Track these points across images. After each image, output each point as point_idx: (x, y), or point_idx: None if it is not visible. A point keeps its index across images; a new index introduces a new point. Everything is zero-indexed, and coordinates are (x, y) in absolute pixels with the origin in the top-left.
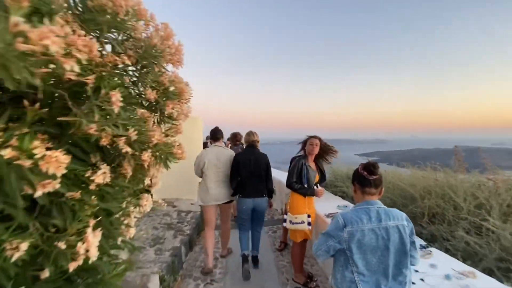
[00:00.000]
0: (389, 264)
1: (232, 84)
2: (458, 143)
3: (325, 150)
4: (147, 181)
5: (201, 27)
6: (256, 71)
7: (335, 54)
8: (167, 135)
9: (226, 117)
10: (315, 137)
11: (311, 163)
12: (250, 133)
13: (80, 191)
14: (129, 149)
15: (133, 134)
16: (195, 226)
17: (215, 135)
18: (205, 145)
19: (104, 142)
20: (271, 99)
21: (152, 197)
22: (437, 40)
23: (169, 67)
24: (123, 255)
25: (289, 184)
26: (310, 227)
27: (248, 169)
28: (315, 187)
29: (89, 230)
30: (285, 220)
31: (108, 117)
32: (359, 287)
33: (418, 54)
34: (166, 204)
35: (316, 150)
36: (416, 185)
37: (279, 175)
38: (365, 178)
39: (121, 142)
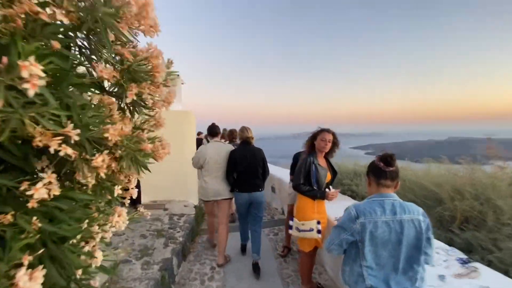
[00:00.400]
0: (399, 258)
1: (226, 79)
2: (451, 134)
3: (335, 146)
4: (117, 191)
5: (195, 21)
6: (250, 65)
7: (329, 48)
8: (139, 129)
9: (220, 113)
10: (328, 131)
11: (321, 160)
12: (243, 129)
13: (13, 212)
14: (69, 151)
15: (72, 133)
16: (189, 232)
17: (213, 130)
18: (198, 141)
19: (39, 142)
20: (266, 94)
21: (139, 205)
22: (430, 33)
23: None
24: (101, 275)
25: (295, 186)
26: (320, 235)
27: (244, 164)
28: (327, 189)
29: (22, 271)
30: (290, 227)
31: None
32: (367, 281)
33: (411, 47)
34: (149, 214)
35: (329, 147)
36: (442, 184)
37: (278, 172)
38: (381, 170)
39: (54, 142)
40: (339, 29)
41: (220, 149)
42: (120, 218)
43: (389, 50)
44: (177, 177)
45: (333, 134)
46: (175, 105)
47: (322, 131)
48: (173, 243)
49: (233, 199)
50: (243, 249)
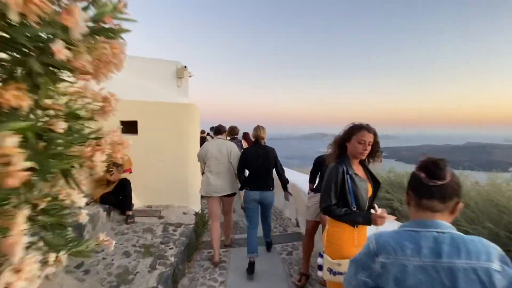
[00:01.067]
0: None
1: (234, 79)
2: (469, 139)
3: (375, 150)
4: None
5: (200, 20)
6: (259, 64)
7: (340, 49)
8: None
9: (228, 113)
10: (368, 129)
11: (357, 167)
12: (257, 128)
13: None
14: None
15: None
16: (185, 248)
17: (217, 128)
18: (201, 140)
19: None
20: (275, 94)
21: (129, 211)
22: (444, 33)
23: None
24: None
25: (326, 209)
26: None
27: (256, 163)
28: (371, 209)
29: None
30: (320, 267)
31: None
32: None
33: (426, 48)
34: (113, 244)
35: (367, 152)
36: None
37: (292, 176)
38: (422, 184)
39: None
40: (350, 29)
41: (221, 146)
42: (21, 275)
43: (402, 50)
44: (177, 179)
45: (375, 133)
46: (181, 98)
47: (361, 128)
48: (162, 265)
49: (234, 200)
50: (251, 269)
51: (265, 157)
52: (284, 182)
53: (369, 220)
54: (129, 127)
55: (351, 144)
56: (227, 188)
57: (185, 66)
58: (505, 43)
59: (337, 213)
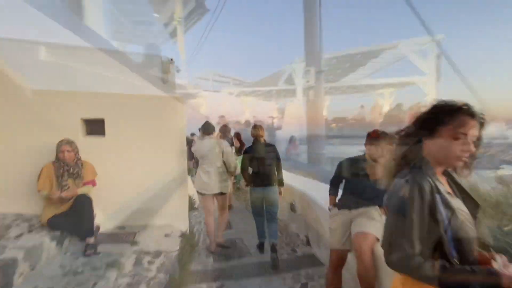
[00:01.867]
0: None
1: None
2: None
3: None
4: None
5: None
6: (251, 60)
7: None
8: None
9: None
10: (471, 113)
11: (444, 181)
12: (255, 127)
13: None
14: None
15: None
16: None
17: (207, 128)
18: (189, 142)
19: None
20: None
21: (90, 238)
22: (438, 29)
23: None
24: None
25: (401, 263)
26: None
27: (258, 160)
28: (493, 261)
29: None
30: None
31: None
32: None
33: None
34: None
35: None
36: None
37: (301, 183)
38: None
39: None
40: (348, 28)
41: (212, 145)
42: None
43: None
44: (157, 191)
45: (482, 121)
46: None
47: (457, 112)
48: None
49: (227, 197)
50: (261, 248)
51: (266, 154)
52: (280, 179)
53: (498, 284)
54: (94, 127)
55: (438, 140)
56: (215, 189)
57: (172, 59)
58: (502, 38)
59: (428, 273)
